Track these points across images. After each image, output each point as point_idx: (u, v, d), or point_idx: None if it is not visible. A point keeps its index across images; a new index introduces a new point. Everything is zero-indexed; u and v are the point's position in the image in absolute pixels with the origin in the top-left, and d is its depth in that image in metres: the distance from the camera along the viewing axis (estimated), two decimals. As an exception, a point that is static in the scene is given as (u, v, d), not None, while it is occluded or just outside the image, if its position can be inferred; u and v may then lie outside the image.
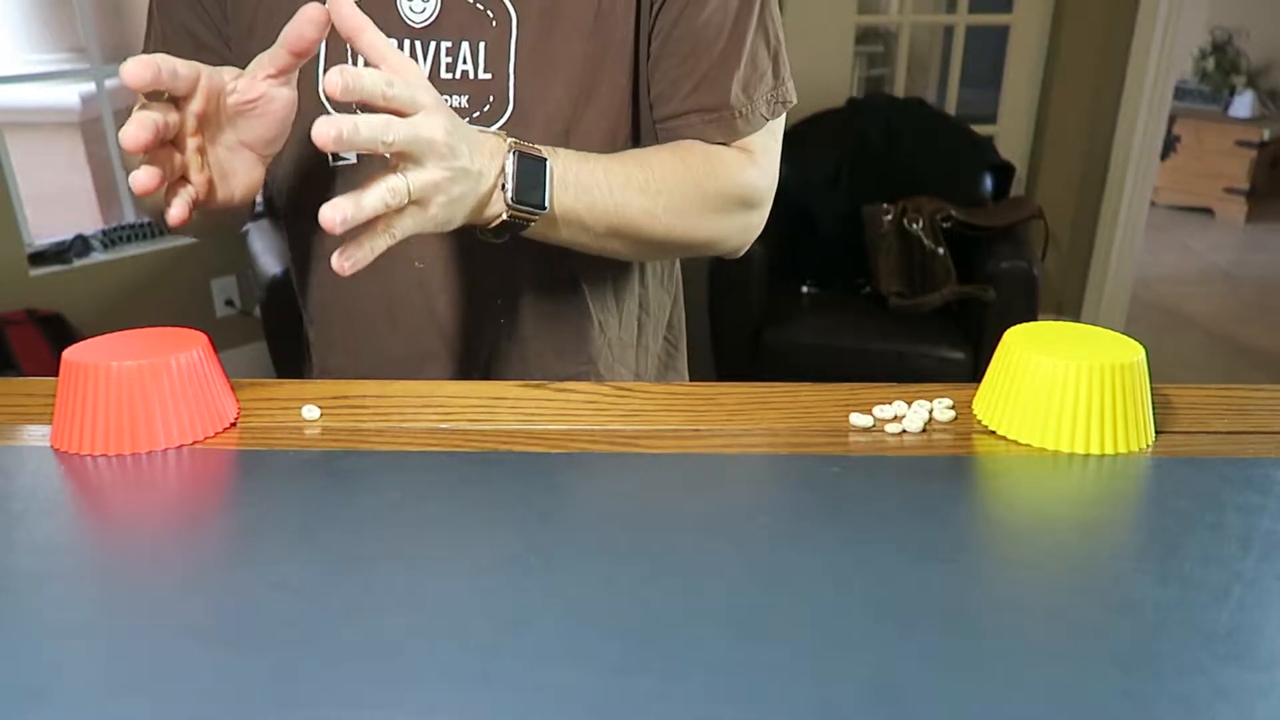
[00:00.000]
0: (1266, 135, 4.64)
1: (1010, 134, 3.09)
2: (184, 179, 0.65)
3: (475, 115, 0.77)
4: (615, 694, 0.39)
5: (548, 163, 0.69)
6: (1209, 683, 0.39)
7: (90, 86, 2.75)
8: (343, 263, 0.60)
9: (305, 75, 0.76)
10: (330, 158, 0.79)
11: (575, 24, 0.76)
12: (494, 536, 0.51)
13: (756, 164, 0.82)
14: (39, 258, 2.60)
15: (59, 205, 3.07)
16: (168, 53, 0.83)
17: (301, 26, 0.63)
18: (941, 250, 2.52)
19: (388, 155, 0.60)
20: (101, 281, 2.67)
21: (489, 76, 0.76)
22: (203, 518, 0.54)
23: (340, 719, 0.38)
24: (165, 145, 0.63)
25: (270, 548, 0.50)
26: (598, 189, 0.72)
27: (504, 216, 0.68)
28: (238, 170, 0.69)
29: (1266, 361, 3.23)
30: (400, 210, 0.60)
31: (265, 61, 0.65)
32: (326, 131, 0.55)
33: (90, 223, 2.84)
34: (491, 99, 0.77)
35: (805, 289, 2.70)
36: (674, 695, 0.39)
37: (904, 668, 0.40)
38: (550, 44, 0.76)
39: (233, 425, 0.65)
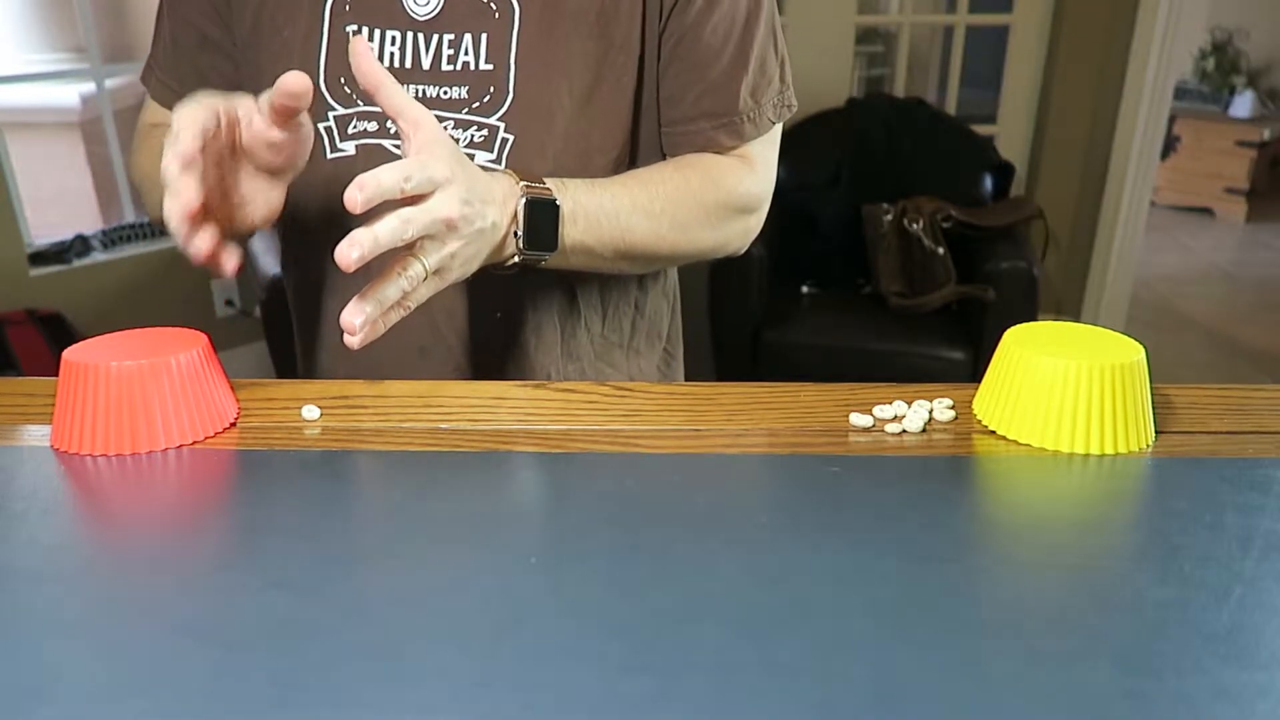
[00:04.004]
0: (1266, 135, 4.64)
1: (1010, 134, 3.09)
2: (206, 213, 0.64)
3: (475, 105, 0.77)
4: (615, 694, 0.39)
5: (558, 203, 0.71)
6: (1209, 683, 0.39)
7: (90, 86, 2.75)
8: (354, 340, 0.61)
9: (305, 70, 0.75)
10: (326, 149, 0.79)
11: (577, 21, 0.76)
12: (494, 536, 0.51)
13: (754, 172, 0.84)
14: (39, 258, 2.60)
15: (59, 205, 3.07)
16: (175, 49, 0.83)
17: (283, 99, 0.62)
18: (941, 250, 2.52)
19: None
20: (101, 281, 2.67)
21: (490, 67, 0.77)
22: (202, 518, 0.54)
23: (340, 719, 0.38)
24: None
25: (270, 548, 0.50)
26: (605, 218, 0.74)
27: (516, 260, 0.70)
28: (256, 197, 0.68)
29: (1266, 361, 3.23)
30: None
31: (266, 111, 0.64)
32: (349, 254, 0.57)
33: (90, 223, 2.84)
34: (492, 89, 0.77)
35: (805, 289, 2.70)
36: (674, 695, 0.39)
37: (904, 668, 0.40)
38: (552, 38, 0.76)
39: (233, 425, 0.65)
